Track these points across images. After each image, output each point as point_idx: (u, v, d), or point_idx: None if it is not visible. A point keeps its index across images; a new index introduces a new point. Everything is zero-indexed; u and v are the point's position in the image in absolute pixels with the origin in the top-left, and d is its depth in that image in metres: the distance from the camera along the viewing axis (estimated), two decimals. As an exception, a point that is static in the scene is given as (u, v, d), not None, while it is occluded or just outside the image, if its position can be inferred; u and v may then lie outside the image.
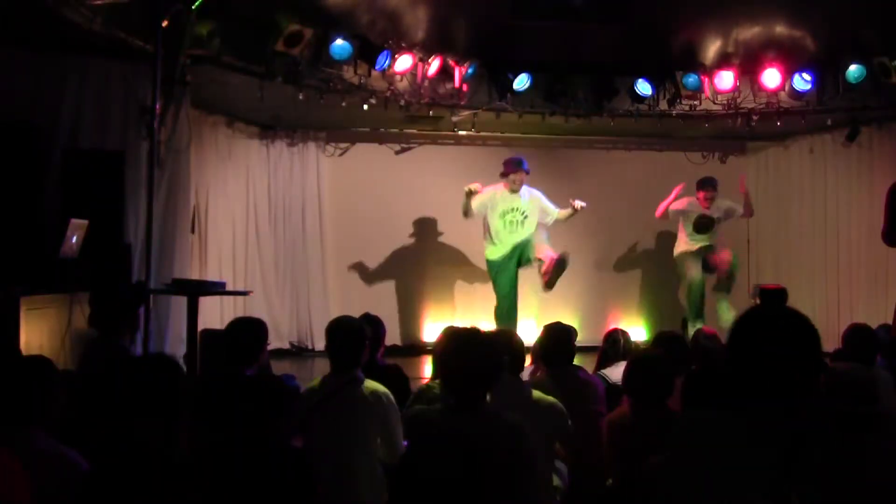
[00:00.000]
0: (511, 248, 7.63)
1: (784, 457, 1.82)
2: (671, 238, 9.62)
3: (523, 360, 4.14)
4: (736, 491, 1.82)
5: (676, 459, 2.00)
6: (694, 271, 8.26)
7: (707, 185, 8.32)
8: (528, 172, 7.63)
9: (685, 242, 8.40)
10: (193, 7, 5.86)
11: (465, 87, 7.92)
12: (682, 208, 8.33)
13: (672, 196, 8.33)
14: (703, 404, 2.76)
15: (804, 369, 1.90)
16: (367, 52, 7.20)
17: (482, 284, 9.36)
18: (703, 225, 8.29)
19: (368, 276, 9.26)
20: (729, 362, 1.99)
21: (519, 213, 7.63)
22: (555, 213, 7.80)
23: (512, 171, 7.55)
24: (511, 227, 7.62)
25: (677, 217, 8.41)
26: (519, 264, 7.67)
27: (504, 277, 7.67)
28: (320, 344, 8.66)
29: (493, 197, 7.62)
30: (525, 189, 7.64)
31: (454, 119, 8.40)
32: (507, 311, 7.61)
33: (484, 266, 9.10)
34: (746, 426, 1.88)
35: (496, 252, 7.69)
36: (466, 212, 7.61)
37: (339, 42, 6.97)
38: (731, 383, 2.52)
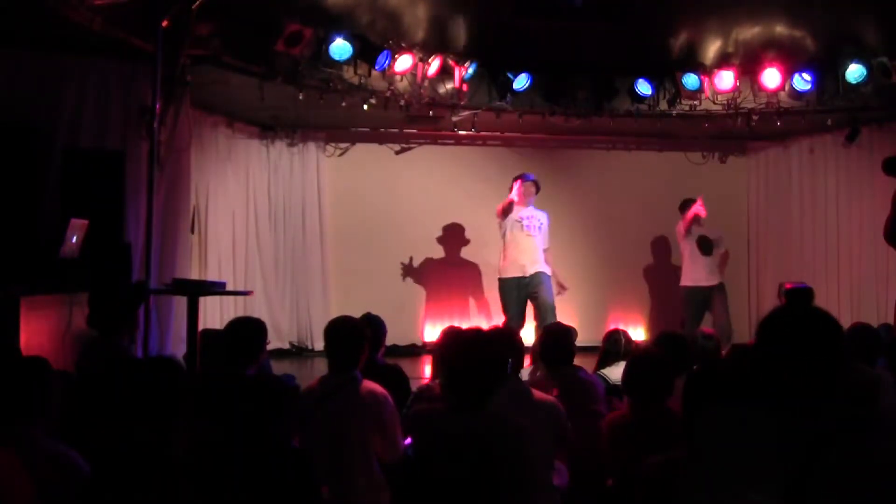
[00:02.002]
0: (521, 263, 7.58)
1: (804, 456, 1.83)
2: (671, 237, 9.64)
3: (522, 360, 4.14)
4: (754, 487, 1.82)
5: (700, 452, 2.00)
6: (692, 316, 8.12)
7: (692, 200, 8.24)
8: (538, 187, 7.71)
9: (690, 275, 8.22)
10: (193, 7, 5.86)
11: (465, 87, 7.91)
12: (687, 230, 8.22)
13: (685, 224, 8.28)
14: (703, 404, 2.76)
15: (827, 369, 1.90)
16: (367, 52, 7.20)
17: (483, 284, 9.38)
18: (705, 246, 8.18)
19: (368, 276, 9.24)
20: (755, 360, 1.99)
21: (535, 219, 7.71)
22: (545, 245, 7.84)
23: (526, 181, 7.65)
24: (528, 230, 7.63)
25: (687, 242, 8.29)
26: (524, 295, 7.60)
27: (512, 304, 7.60)
28: (320, 344, 8.59)
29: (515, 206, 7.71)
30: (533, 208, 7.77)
31: (454, 119, 8.39)
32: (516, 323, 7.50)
33: (489, 266, 9.15)
34: (772, 423, 1.88)
35: (508, 269, 7.64)
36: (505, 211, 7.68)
37: (339, 42, 6.97)
38: (753, 381, 2.51)
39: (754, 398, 1.97)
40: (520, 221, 7.64)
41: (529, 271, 7.56)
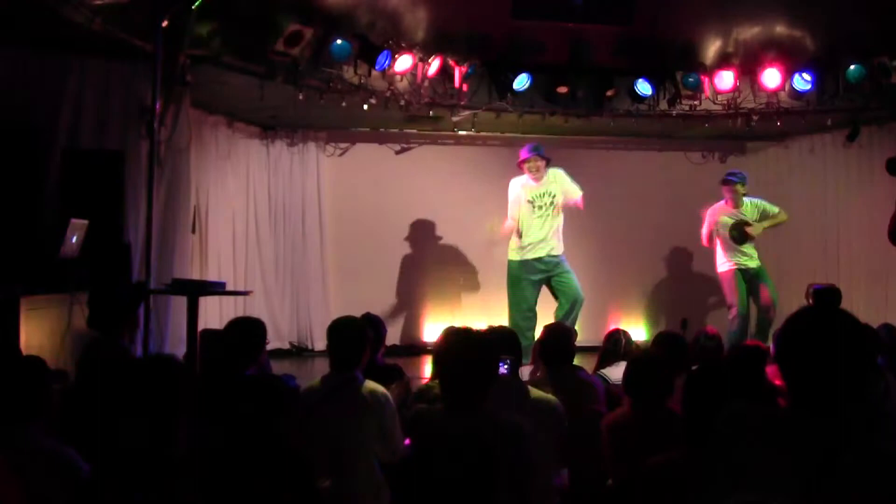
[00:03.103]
0: (539, 250, 7.49)
1: (822, 458, 1.83)
2: (671, 238, 9.64)
3: (521, 360, 4.14)
4: (769, 486, 1.82)
5: (716, 449, 2.00)
6: (735, 297, 7.78)
7: (728, 180, 7.88)
8: (547, 159, 7.55)
9: (724, 260, 7.90)
10: (193, 7, 5.86)
11: (465, 87, 7.91)
12: (716, 219, 7.89)
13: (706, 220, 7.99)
14: (704, 404, 2.76)
15: (854, 372, 1.90)
16: (367, 52, 7.20)
17: (483, 284, 9.38)
18: (739, 233, 7.78)
19: (368, 276, 9.24)
20: (778, 361, 1.99)
21: (548, 195, 7.55)
22: (577, 194, 7.65)
23: (529, 157, 7.50)
24: (540, 211, 7.52)
25: (717, 232, 7.94)
26: (545, 283, 7.51)
27: (522, 291, 7.47)
28: (320, 344, 8.66)
29: (519, 189, 7.61)
30: (547, 172, 7.61)
31: (454, 119, 8.39)
32: (519, 325, 7.23)
33: (489, 266, 9.13)
34: (789, 424, 1.89)
35: (520, 252, 7.53)
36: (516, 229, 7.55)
37: (339, 42, 6.96)
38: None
39: (763, 398, 1.98)
40: (532, 202, 7.54)
41: (543, 255, 7.52)
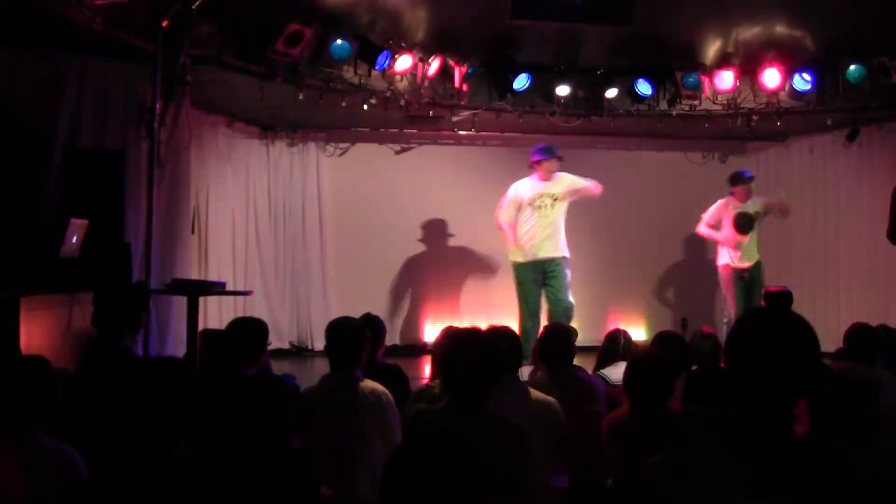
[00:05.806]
0: (537, 250, 7.38)
1: (770, 458, 1.84)
2: (671, 238, 9.63)
3: (521, 360, 4.14)
4: (721, 489, 1.83)
5: (674, 455, 2.02)
6: (732, 300, 7.92)
7: (740, 179, 7.99)
8: (560, 159, 7.44)
9: (728, 253, 7.97)
10: (193, 7, 5.86)
11: (465, 87, 7.91)
12: (722, 209, 7.98)
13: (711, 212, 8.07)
14: (703, 404, 2.77)
15: (798, 373, 1.92)
16: (367, 52, 7.20)
17: (483, 284, 9.38)
18: (743, 224, 7.85)
19: (368, 276, 9.24)
20: (727, 362, 2.02)
21: (549, 196, 7.42)
22: (581, 182, 7.56)
23: (544, 159, 7.38)
24: (540, 211, 7.38)
25: (720, 223, 8.04)
26: (539, 284, 7.42)
27: (525, 292, 7.44)
28: (320, 344, 8.65)
29: (518, 190, 7.48)
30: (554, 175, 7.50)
31: (454, 119, 8.39)
32: (529, 321, 7.32)
33: (489, 266, 9.14)
34: (738, 425, 1.90)
35: (520, 253, 7.43)
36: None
37: (339, 42, 6.97)
38: (727, 382, 2.53)
39: (729, 399, 1.99)
40: (532, 203, 7.40)
41: (542, 255, 7.40)
